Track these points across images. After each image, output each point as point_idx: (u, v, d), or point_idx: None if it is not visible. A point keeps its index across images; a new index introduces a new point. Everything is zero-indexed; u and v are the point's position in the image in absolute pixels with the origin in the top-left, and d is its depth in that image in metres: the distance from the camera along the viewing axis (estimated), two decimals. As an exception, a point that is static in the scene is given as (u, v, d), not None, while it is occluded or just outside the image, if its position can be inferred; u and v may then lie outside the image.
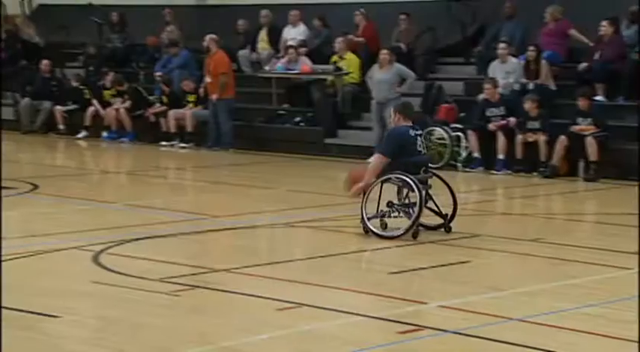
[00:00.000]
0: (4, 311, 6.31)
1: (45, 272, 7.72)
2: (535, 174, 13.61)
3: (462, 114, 14.89)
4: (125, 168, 15.80)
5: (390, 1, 17.91)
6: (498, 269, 8.23)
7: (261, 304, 6.71)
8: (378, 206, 9.05)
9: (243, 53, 18.49)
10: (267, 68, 17.79)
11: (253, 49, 18.43)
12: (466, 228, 9.35)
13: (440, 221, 9.26)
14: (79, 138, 18.55)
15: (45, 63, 19.53)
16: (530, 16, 15.82)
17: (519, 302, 6.81)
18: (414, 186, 8.90)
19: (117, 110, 18.29)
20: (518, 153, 13.93)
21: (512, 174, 13.80)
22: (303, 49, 17.29)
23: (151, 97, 18.16)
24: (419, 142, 9.22)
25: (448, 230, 9.22)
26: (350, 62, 16.60)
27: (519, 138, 13.91)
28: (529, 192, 12.68)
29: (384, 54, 15.16)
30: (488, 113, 14.31)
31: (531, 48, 14.76)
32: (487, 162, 14.21)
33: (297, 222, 9.89)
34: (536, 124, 13.88)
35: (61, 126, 19.03)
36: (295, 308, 6.57)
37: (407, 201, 9.03)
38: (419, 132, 9.33)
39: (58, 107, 19.12)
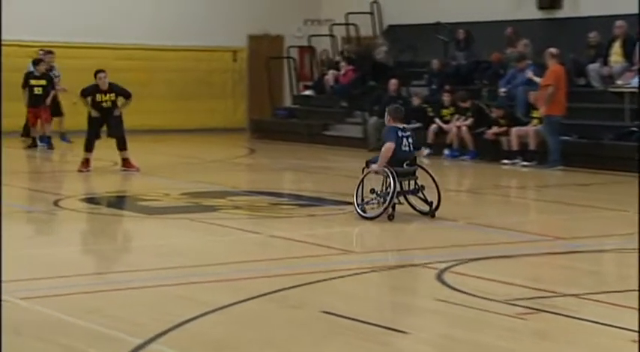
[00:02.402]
0: (361, 325, 6.41)
1: (392, 287, 7.77)
2: None
3: None
4: (466, 186, 15.72)
5: None
6: None
7: (612, 334, 6.30)
8: (362, 193, 10.81)
9: (593, 67, 17.72)
10: (619, 82, 16.95)
11: (605, 62, 17.63)
12: None
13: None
14: (423, 156, 18.74)
15: (392, 82, 19.94)
16: None
17: None
18: (390, 177, 10.65)
19: (458, 128, 18.29)
20: None
21: None
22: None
23: (492, 114, 17.97)
24: (405, 142, 10.94)
25: (432, 216, 10.82)
26: None
27: None
28: None
29: None
30: None
31: None
32: None
33: (649, 247, 9.27)
34: None
35: (406, 144, 19.32)
36: (650, 341, 6.09)
37: (388, 189, 10.67)
38: (407, 133, 11.01)
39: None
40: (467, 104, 18.53)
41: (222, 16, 24.28)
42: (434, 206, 10.88)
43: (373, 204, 10.77)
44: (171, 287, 7.51)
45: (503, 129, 17.42)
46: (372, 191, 10.84)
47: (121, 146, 15.14)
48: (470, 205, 13.27)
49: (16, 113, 20.71)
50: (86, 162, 15.05)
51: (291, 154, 19.68)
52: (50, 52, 20.27)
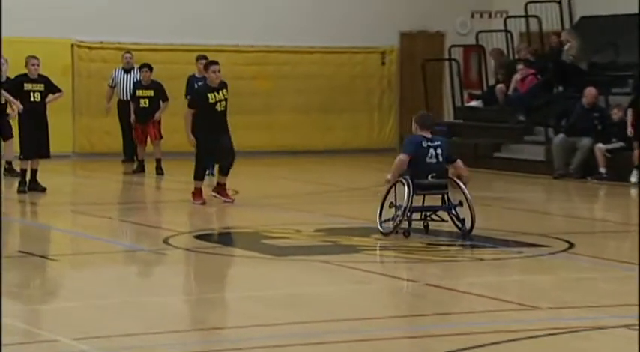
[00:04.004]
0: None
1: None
2: None
3: None
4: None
5: None
6: None
7: None
8: (383, 207, 12.46)
9: None
10: None
11: None
12: None
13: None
14: (627, 185, 18.40)
15: (588, 91, 19.63)
16: None
17: None
18: (406, 189, 12.15)
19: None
20: None
21: None
22: None
23: None
24: (431, 152, 12.34)
25: (464, 236, 12.21)
26: None
27: None
28: None
29: None
30: None
31: None
32: None
33: None
34: None
35: (602, 170, 19.04)
36: None
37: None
38: (435, 143, 12.42)
39: (600, 145, 19.17)
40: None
41: (367, 10, 24.42)
42: (467, 225, 12.22)
43: (395, 220, 12.24)
44: (304, 347, 7.61)
45: None
46: (391, 205, 12.34)
47: (226, 171, 15.37)
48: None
49: (117, 131, 21.28)
50: (199, 193, 15.33)
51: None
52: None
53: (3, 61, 17.50)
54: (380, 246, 12.12)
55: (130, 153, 20.75)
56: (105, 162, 21.34)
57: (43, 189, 16.32)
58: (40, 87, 16.36)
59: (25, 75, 16.40)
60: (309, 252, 11.67)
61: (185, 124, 15.14)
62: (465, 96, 23.80)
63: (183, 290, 10.12)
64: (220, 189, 15.35)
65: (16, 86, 16.39)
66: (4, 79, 17.56)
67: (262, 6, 23.69)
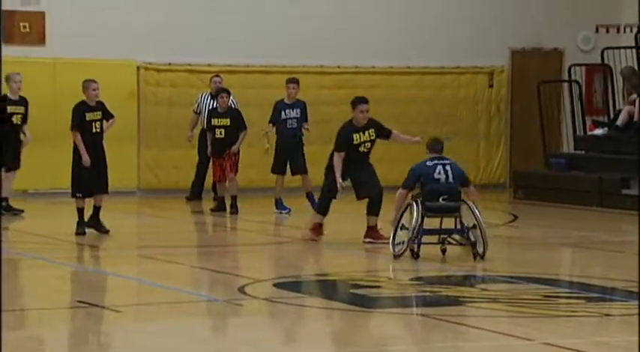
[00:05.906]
0: None
1: None
2: None
3: None
4: None
5: None
6: None
7: None
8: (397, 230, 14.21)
9: None
10: None
11: None
12: None
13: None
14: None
15: None
16: None
17: None
18: (414, 211, 13.93)
19: None
20: None
21: None
22: None
23: None
24: (439, 169, 14.08)
25: (474, 257, 13.97)
26: None
27: None
28: None
29: None
30: None
31: None
32: None
33: None
34: None
35: None
36: None
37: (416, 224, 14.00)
38: (444, 161, 14.18)
39: None
40: None
41: (472, 24, 24.36)
42: (479, 249, 13.89)
43: (403, 243, 13.97)
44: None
45: None
46: (402, 227, 14.05)
47: (376, 209, 15.60)
48: None
49: (186, 164, 21.47)
50: (316, 228, 15.71)
51: (573, 223, 19.47)
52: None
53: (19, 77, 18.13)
54: (487, 298, 12.08)
55: (198, 191, 20.91)
56: (173, 199, 21.45)
57: (107, 231, 16.43)
58: (99, 115, 16.36)
59: (84, 102, 16.37)
60: (404, 304, 11.69)
61: (336, 170, 15.48)
62: (588, 123, 23.63)
63: (261, 347, 10.18)
64: (371, 231, 15.59)
65: (80, 119, 16.29)
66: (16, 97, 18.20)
67: (348, 22, 23.68)
